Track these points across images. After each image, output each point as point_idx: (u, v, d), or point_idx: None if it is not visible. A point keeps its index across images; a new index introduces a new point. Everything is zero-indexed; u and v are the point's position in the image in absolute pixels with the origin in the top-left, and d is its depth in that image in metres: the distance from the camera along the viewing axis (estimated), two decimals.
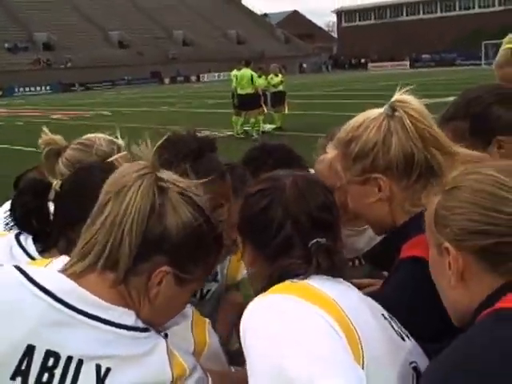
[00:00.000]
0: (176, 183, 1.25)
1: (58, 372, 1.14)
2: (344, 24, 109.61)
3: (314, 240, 1.33)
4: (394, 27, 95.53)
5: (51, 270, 1.29)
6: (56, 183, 1.80)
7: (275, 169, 2.35)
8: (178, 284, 1.25)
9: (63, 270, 1.24)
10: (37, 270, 1.25)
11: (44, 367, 1.13)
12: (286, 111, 19.07)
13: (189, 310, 1.45)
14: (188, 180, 1.30)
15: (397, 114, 1.53)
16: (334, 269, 1.32)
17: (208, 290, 2.12)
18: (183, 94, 43.07)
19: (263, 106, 17.91)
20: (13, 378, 1.12)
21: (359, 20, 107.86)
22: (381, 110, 1.57)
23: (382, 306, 1.38)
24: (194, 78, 72.28)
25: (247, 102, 17.88)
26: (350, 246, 2.15)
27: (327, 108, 23.80)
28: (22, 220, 1.79)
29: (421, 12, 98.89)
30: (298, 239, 1.36)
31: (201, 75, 73.02)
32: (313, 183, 1.43)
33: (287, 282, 1.27)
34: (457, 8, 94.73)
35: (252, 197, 1.44)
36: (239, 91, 18.07)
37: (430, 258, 1.29)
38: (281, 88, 19.05)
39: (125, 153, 2.22)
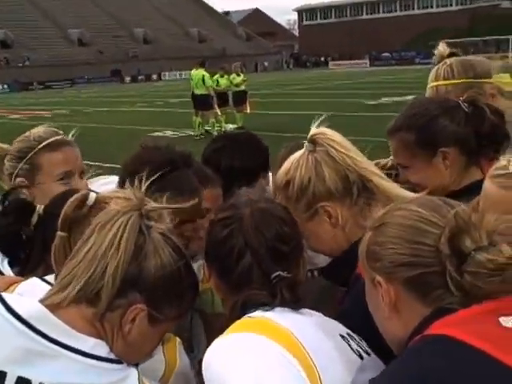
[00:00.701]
0: (159, 224, 1.27)
1: None
2: (305, 22, 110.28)
3: (277, 273, 1.38)
4: (354, 25, 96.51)
5: (30, 299, 1.28)
6: (39, 207, 1.80)
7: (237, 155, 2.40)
8: (152, 323, 1.27)
9: (42, 300, 1.25)
10: (15, 298, 1.25)
11: None
12: (248, 111, 19.11)
13: None
14: (167, 211, 1.33)
15: (319, 147, 1.64)
16: (297, 302, 1.37)
17: None
18: (144, 92, 42.82)
19: (215, 107, 17.82)
20: None
21: (320, 18, 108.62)
22: (302, 149, 1.67)
23: (343, 323, 1.44)
24: (155, 77, 71.94)
25: (200, 103, 17.93)
26: (309, 260, 2.17)
27: (289, 107, 23.92)
28: (2, 242, 1.77)
29: (380, 11, 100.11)
30: (257, 269, 1.41)
31: (162, 73, 72.70)
32: (269, 215, 1.46)
33: (246, 318, 1.32)
34: (415, 7, 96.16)
35: (215, 225, 1.49)
36: (194, 91, 18.14)
37: (366, 291, 1.35)
38: (243, 87, 19.07)
39: (61, 136, 2.28)
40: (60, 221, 1.33)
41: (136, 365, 1.30)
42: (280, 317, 1.31)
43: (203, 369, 1.24)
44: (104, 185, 2.40)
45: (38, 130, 2.25)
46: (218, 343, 1.27)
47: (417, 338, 1.16)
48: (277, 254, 1.42)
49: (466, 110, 1.89)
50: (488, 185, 1.51)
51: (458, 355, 1.08)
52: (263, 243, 1.42)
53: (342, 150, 1.61)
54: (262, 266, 1.40)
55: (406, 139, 1.91)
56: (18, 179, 2.16)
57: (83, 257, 1.23)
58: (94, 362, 1.19)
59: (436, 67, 2.39)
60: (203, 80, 17.80)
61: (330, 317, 1.47)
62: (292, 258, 1.45)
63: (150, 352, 1.34)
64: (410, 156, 1.92)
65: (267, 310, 1.33)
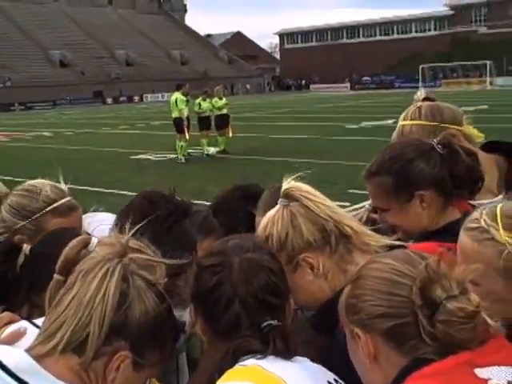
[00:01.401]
0: (142, 272, 1.26)
1: None
2: (286, 46, 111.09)
3: (267, 322, 1.40)
4: (335, 49, 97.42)
5: (15, 349, 1.27)
6: (26, 247, 1.79)
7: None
8: (136, 369, 1.26)
9: (28, 350, 1.24)
10: (1, 348, 1.25)
11: None
12: (231, 135, 19.15)
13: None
14: (154, 259, 1.31)
15: (292, 200, 1.67)
16: (289, 352, 1.38)
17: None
18: (126, 114, 42.76)
19: (185, 131, 17.69)
20: None
21: (301, 42, 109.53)
22: (278, 205, 1.70)
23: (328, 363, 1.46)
24: (137, 99, 71.87)
25: (175, 126, 18.02)
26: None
27: (271, 131, 24.03)
28: None
29: (361, 35, 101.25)
30: (246, 318, 1.42)
31: (144, 95, 72.69)
32: (258, 265, 1.47)
33: (239, 366, 1.34)
34: (395, 32, 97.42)
35: (203, 272, 1.50)
36: (172, 115, 18.23)
37: (347, 345, 1.37)
38: (225, 111, 19.09)
39: (69, 198, 2.22)
40: (60, 264, 1.31)
41: None
42: (273, 365, 1.33)
43: None
44: (101, 221, 2.40)
45: (46, 190, 2.17)
46: None
47: None
48: (266, 304, 1.43)
49: (441, 152, 1.92)
50: (462, 237, 1.53)
51: None
52: (252, 293, 1.43)
53: (316, 200, 1.66)
54: (251, 316, 1.42)
55: (383, 183, 1.95)
56: (18, 236, 2.06)
57: (67, 305, 1.22)
58: None
59: (408, 109, 2.45)
60: (176, 103, 17.88)
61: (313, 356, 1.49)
62: (280, 308, 1.46)
63: None
64: (387, 199, 1.95)
65: (260, 358, 1.34)
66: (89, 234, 1.48)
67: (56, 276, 1.30)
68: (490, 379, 1.16)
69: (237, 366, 1.34)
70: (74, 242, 1.34)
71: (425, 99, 2.52)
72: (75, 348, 1.21)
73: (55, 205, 2.16)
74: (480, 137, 2.37)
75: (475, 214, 1.52)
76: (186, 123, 17.77)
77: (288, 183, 1.68)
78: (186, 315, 1.98)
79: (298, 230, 1.63)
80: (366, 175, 2.02)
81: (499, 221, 1.46)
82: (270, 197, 2.12)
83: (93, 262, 1.23)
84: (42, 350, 1.22)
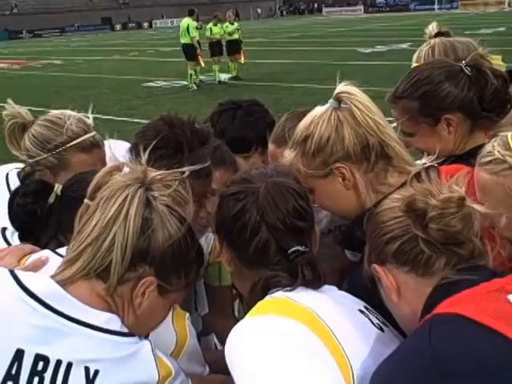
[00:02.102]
0: (164, 196, 1.26)
1: (47, 376, 1.16)
2: None
3: (295, 248, 1.38)
4: None
5: (40, 275, 1.30)
6: (57, 187, 1.77)
7: (247, 119, 2.39)
8: (161, 294, 1.29)
9: (53, 276, 1.26)
10: (28, 275, 1.26)
11: (34, 371, 1.16)
12: (243, 60, 18.86)
13: None
14: (175, 182, 1.30)
15: (343, 105, 1.61)
16: (318, 281, 1.38)
17: None
18: (136, 41, 42.16)
19: (199, 57, 17.41)
20: (3, 382, 1.14)
21: None
22: (326, 105, 1.64)
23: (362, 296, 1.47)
24: (146, 25, 70.68)
25: (185, 53, 17.66)
26: None
27: (283, 56, 23.65)
28: (18, 218, 1.77)
29: None
30: (273, 244, 1.40)
31: (153, 21, 71.39)
32: (286, 189, 1.44)
33: (268, 299, 1.34)
34: None
35: (226, 200, 1.46)
36: (180, 40, 17.88)
37: (382, 295, 1.38)
38: (236, 36, 18.77)
39: (93, 133, 2.18)
40: (91, 189, 1.29)
41: (147, 337, 1.32)
42: (301, 296, 1.32)
43: (226, 351, 1.26)
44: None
45: (71, 123, 2.12)
46: (241, 326, 1.28)
47: (428, 317, 1.17)
48: (294, 228, 1.40)
49: (469, 74, 1.88)
50: (479, 173, 1.51)
51: (471, 336, 1.08)
52: (281, 218, 1.40)
53: (366, 112, 1.58)
54: (278, 241, 1.39)
55: (409, 107, 1.91)
56: (44, 170, 2.08)
57: (90, 231, 1.23)
58: (108, 336, 1.21)
59: (420, 47, 2.39)
60: (188, 29, 17.51)
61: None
62: (307, 233, 1.44)
63: (158, 323, 1.36)
64: (413, 123, 1.92)
65: (289, 290, 1.34)
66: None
67: (86, 201, 1.30)
68: None
69: (266, 298, 1.35)
70: (107, 167, 1.33)
71: (437, 34, 2.46)
72: (100, 273, 1.23)
73: (79, 140, 2.12)
74: (502, 66, 2.31)
75: (487, 148, 1.49)
76: (198, 50, 17.44)
77: (343, 86, 1.61)
78: (202, 241, 2.01)
79: (341, 137, 1.58)
80: (391, 98, 1.98)
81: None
82: (287, 122, 2.11)
83: (113, 189, 1.23)
84: (65, 275, 1.24)
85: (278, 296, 1.34)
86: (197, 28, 17.68)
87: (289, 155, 1.70)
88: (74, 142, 2.11)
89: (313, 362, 1.19)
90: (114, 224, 1.21)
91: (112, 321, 1.23)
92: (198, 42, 17.64)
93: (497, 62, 2.17)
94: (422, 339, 1.12)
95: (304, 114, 1.82)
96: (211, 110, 2.49)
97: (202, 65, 17.51)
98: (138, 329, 1.29)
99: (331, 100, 1.62)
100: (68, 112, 2.18)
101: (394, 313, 1.36)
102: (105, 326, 1.21)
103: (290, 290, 1.34)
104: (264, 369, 1.18)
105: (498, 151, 1.45)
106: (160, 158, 1.63)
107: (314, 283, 1.37)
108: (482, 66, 1.89)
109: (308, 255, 1.39)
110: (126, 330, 1.25)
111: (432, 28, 2.51)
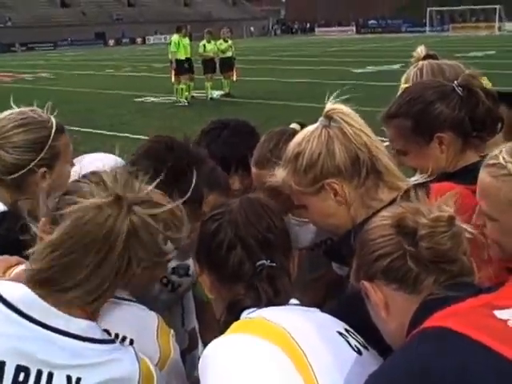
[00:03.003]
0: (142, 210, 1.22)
1: None
2: None
3: (260, 262, 1.41)
4: None
5: (16, 284, 1.27)
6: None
7: (230, 140, 2.39)
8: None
9: (28, 283, 1.24)
10: (2, 283, 1.26)
11: (15, 382, 1.15)
12: (235, 78, 18.96)
13: (154, 317, 1.46)
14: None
15: (333, 122, 1.64)
16: (276, 295, 1.39)
17: (179, 284, 2.13)
18: (129, 56, 42.27)
19: (175, 74, 17.53)
20: None
21: None
22: (317, 123, 1.67)
23: (343, 311, 1.49)
24: (139, 40, 70.96)
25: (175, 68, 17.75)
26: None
27: (275, 74, 23.79)
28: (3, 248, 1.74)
29: None
30: (248, 262, 1.42)
31: (147, 37, 71.69)
32: (259, 205, 1.48)
33: (244, 319, 1.35)
34: None
35: (205, 223, 1.50)
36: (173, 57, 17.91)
37: (369, 310, 1.39)
38: (229, 54, 18.87)
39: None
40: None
41: (131, 343, 1.33)
42: (277, 316, 1.33)
43: (199, 366, 1.27)
44: (91, 163, 2.34)
45: (39, 114, 2.08)
46: (215, 345, 1.29)
47: (414, 332, 1.18)
48: (265, 244, 1.43)
49: (461, 93, 1.90)
50: (481, 174, 1.54)
51: (459, 350, 1.09)
52: (253, 233, 1.43)
53: (356, 128, 1.62)
54: (253, 258, 1.42)
55: (403, 126, 1.93)
56: (41, 170, 2.01)
57: (65, 240, 1.17)
58: (87, 344, 1.20)
59: (409, 69, 2.42)
60: (178, 44, 17.61)
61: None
62: (280, 250, 1.46)
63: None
64: (406, 142, 1.94)
65: (263, 309, 1.35)
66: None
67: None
68: (509, 320, 1.16)
69: (243, 318, 1.36)
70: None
71: (426, 57, 2.49)
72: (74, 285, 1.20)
73: (55, 126, 2.07)
74: (488, 85, 2.33)
75: (495, 151, 1.52)
76: (174, 66, 17.51)
77: (332, 104, 1.65)
78: (190, 260, 2.00)
79: (331, 154, 1.61)
80: (384, 118, 2.00)
81: None
82: (269, 141, 2.11)
83: (87, 207, 1.18)
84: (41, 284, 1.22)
85: (253, 316, 1.35)
86: (186, 44, 17.74)
87: (280, 174, 1.71)
88: (54, 129, 2.06)
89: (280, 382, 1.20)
90: (93, 245, 1.18)
91: (91, 328, 1.22)
92: (189, 58, 17.76)
93: (485, 82, 2.20)
94: (409, 353, 1.14)
95: (280, 133, 1.84)
96: (201, 127, 2.50)
97: (172, 80, 17.55)
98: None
99: (321, 118, 1.66)
100: (22, 109, 2.11)
101: (382, 329, 1.36)
102: (84, 334, 1.20)
103: (265, 309, 1.35)
104: None
105: (503, 157, 1.49)
106: (159, 182, 1.63)
107: (276, 299, 1.38)
108: (474, 85, 1.91)
109: (272, 270, 1.40)
110: (106, 337, 1.25)
111: (420, 51, 2.56)
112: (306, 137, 1.66)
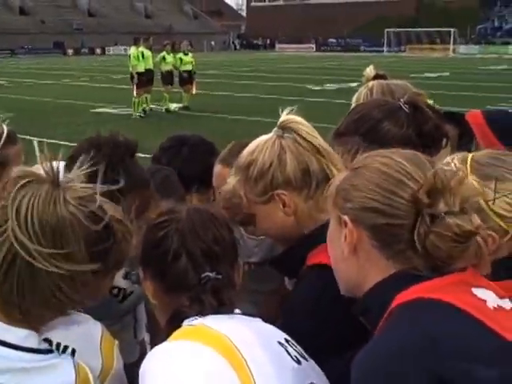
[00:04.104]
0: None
1: None
2: (253, 3, 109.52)
3: (205, 274, 1.41)
4: (302, 9, 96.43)
5: None
6: None
7: (190, 157, 2.40)
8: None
9: None
10: None
11: None
12: (194, 91, 18.95)
13: (98, 327, 1.45)
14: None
15: (287, 133, 1.65)
16: (221, 307, 1.39)
17: (131, 292, 2.11)
18: (88, 67, 41.86)
19: (133, 87, 17.52)
20: None
21: (269, 0, 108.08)
22: (271, 133, 1.68)
23: (287, 316, 1.52)
24: (99, 51, 70.28)
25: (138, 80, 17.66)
26: (246, 253, 2.21)
27: (234, 89, 23.87)
28: None
29: None
30: (193, 272, 1.42)
31: (106, 48, 71.12)
32: (207, 216, 1.48)
33: (186, 326, 1.35)
34: None
35: (150, 229, 1.50)
36: (138, 69, 17.78)
37: (329, 229, 1.37)
38: (189, 67, 18.85)
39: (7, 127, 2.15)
40: None
41: (73, 352, 1.31)
42: (218, 323, 1.33)
43: (139, 373, 1.27)
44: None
45: None
46: (155, 351, 1.30)
47: (401, 302, 1.16)
48: (211, 255, 1.44)
49: (407, 111, 1.93)
50: None
51: (458, 319, 1.12)
52: (199, 244, 1.43)
53: (309, 140, 1.64)
54: (197, 268, 1.42)
55: (352, 143, 1.94)
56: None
57: None
58: (23, 354, 1.18)
59: (359, 90, 2.47)
60: (143, 56, 17.60)
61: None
62: (226, 262, 1.46)
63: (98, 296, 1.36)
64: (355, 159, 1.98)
65: (205, 317, 1.35)
66: None
67: None
68: (486, 300, 1.17)
69: (184, 325, 1.36)
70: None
71: (375, 77, 2.55)
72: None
73: (5, 134, 2.08)
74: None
75: (448, 158, 1.57)
76: (136, 80, 17.45)
77: (287, 115, 1.67)
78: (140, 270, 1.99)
79: (283, 165, 1.62)
80: (334, 136, 2.01)
81: (468, 165, 1.53)
82: (228, 154, 2.13)
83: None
84: None
85: (195, 323, 1.35)
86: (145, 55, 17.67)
87: (231, 181, 1.73)
88: (4, 138, 2.05)
89: None
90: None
91: (29, 338, 1.21)
92: (150, 70, 17.69)
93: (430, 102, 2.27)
94: (410, 323, 1.13)
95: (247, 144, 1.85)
96: (158, 139, 2.51)
97: (134, 94, 17.46)
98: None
99: (275, 128, 1.68)
100: None
101: (336, 263, 1.35)
102: (20, 344, 1.19)
103: (206, 317, 1.35)
104: None
105: (455, 163, 1.53)
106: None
107: (220, 309, 1.38)
108: (419, 103, 1.95)
109: (217, 282, 1.40)
110: (44, 347, 1.23)
111: (370, 70, 2.62)
112: (259, 146, 1.67)
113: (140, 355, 2.29)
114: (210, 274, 1.41)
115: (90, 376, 1.26)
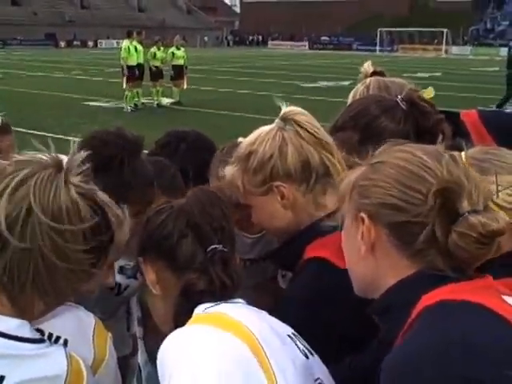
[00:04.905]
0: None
1: None
2: (247, 0, 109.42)
3: (213, 246, 1.39)
4: (295, 7, 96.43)
5: None
6: None
7: (188, 154, 2.38)
8: None
9: None
10: None
11: None
12: (185, 86, 18.91)
13: (91, 319, 1.44)
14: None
15: (289, 125, 1.64)
16: (231, 280, 1.38)
17: (126, 287, 2.12)
18: (80, 59, 41.64)
19: (124, 80, 17.43)
20: None
21: None
22: (273, 124, 1.67)
23: (284, 309, 1.52)
24: (91, 44, 69.95)
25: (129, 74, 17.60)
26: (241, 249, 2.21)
27: (227, 85, 23.82)
28: None
29: None
30: (200, 248, 1.41)
31: (99, 41, 70.80)
32: (213, 195, 1.48)
33: (202, 313, 1.33)
34: None
35: (150, 218, 1.48)
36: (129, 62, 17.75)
37: (344, 227, 1.32)
38: (181, 62, 18.80)
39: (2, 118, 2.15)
40: None
41: (65, 342, 1.30)
42: (235, 312, 1.32)
43: (158, 356, 1.25)
44: None
45: None
46: (178, 333, 1.27)
47: (431, 304, 1.10)
48: (219, 230, 1.42)
49: (404, 108, 1.93)
50: None
51: (492, 322, 1.06)
52: (208, 220, 1.42)
53: (311, 131, 1.63)
54: (205, 245, 1.40)
55: (349, 139, 1.94)
56: None
57: None
58: (14, 342, 1.18)
59: (356, 86, 2.46)
60: (136, 49, 17.56)
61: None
62: (230, 238, 1.46)
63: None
64: (352, 155, 1.96)
65: (219, 304, 1.34)
66: None
67: None
68: None
69: (199, 313, 1.34)
70: None
71: (373, 73, 2.55)
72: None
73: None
74: (430, 93, 2.40)
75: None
76: (135, 72, 17.41)
77: (289, 107, 1.66)
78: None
79: (283, 157, 1.61)
80: (330, 131, 1.99)
81: (465, 161, 1.49)
82: (224, 156, 2.11)
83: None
84: None
85: (212, 311, 1.33)
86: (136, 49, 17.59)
87: (229, 170, 1.72)
88: None
89: (244, 373, 1.19)
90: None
91: (21, 327, 1.20)
92: (141, 64, 17.62)
93: (428, 95, 2.27)
94: (445, 325, 1.06)
95: (233, 145, 1.86)
96: (151, 133, 2.50)
97: (124, 86, 17.38)
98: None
99: (277, 120, 1.66)
100: None
101: (352, 261, 1.30)
102: (11, 333, 1.18)
103: (220, 304, 1.34)
104: (196, 374, 1.16)
105: None
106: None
107: (229, 286, 1.37)
108: (416, 99, 1.94)
109: (224, 254, 1.40)
110: (36, 336, 1.22)
111: (367, 67, 2.60)
112: (260, 137, 1.65)
113: (132, 349, 2.30)
114: (217, 246, 1.40)
115: (83, 366, 1.25)
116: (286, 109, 1.66)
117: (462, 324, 1.05)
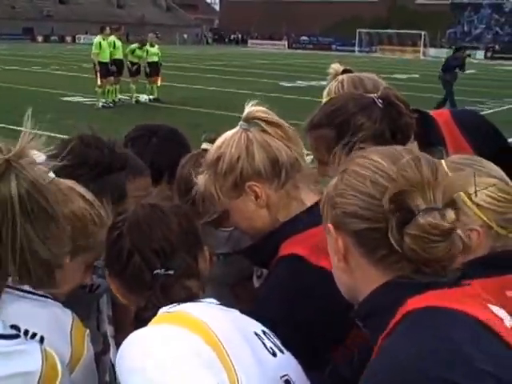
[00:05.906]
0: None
1: None
2: None
3: (155, 271, 1.41)
4: (275, 6, 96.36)
5: None
6: None
7: (160, 147, 2.36)
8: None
9: None
10: None
11: None
12: (159, 83, 18.79)
13: (69, 315, 1.44)
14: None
15: (253, 125, 1.64)
16: (172, 302, 1.37)
17: (98, 286, 2.11)
18: (57, 54, 41.23)
19: (97, 76, 17.28)
20: None
21: None
22: (237, 127, 1.68)
23: (259, 306, 1.54)
24: (69, 39, 69.33)
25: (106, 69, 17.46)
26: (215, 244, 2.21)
27: (206, 82, 23.77)
28: None
29: None
30: (146, 269, 1.42)
31: (77, 36, 70.14)
32: (154, 213, 1.48)
33: (164, 313, 1.34)
34: None
35: (109, 230, 1.51)
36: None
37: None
38: (156, 59, 18.64)
39: None
40: None
41: (41, 339, 1.30)
42: (197, 310, 1.33)
43: (116, 359, 1.26)
44: None
45: None
46: (132, 336, 1.28)
47: (413, 310, 1.08)
48: (159, 252, 1.43)
49: (381, 106, 1.94)
50: None
51: (475, 329, 1.05)
52: (147, 244, 1.43)
53: (276, 130, 1.64)
54: (150, 266, 1.42)
55: (326, 135, 1.94)
56: None
57: None
58: None
59: (329, 84, 2.47)
60: (114, 45, 17.44)
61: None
62: (181, 252, 1.45)
63: (72, 286, 1.39)
64: (328, 152, 1.88)
65: (184, 304, 1.35)
66: None
67: None
68: (504, 319, 1.11)
69: (163, 312, 1.35)
70: None
71: (344, 71, 2.56)
72: None
73: None
74: None
75: None
76: (97, 68, 17.23)
77: (251, 107, 1.66)
78: None
79: (251, 157, 1.61)
80: (307, 127, 2.01)
81: (444, 164, 1.46)
82: (188, 163, 2.08)
83: None
84: None
85: (175, 310, 1.34)
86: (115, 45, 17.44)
87: (201, 179, 1.71)
88: None
89: (201, 368, 1.19)
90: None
91: None
92: (118, 60, 17.51)
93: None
94: (434, 333, 1.03)
95: (198, 155, 1.87)
96: (129, 130, 2.47)
97: (98, 83, 17.19)
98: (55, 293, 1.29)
99: (241, 122, 1.67)
100: None
101: (334, 271, 1.29)
102: None
103: (185, 303, 1.35)
104: (152, 372, 1.18)
105: None
106: (78, 176, 1.66)
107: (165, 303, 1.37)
108: (393, 98, 1.95)
109: (166, 279, 1.40)
110: (9, 332, 1.20)
111: (337, 67, 2.61)
112: (225, 140, 1.66)
113: (103, 347, 2.29)
114: (159, 271, 1.40)
115: (58, 363, 1.23)
116: (247, 109, 1.66)
117: (446, 333, 1.03)
